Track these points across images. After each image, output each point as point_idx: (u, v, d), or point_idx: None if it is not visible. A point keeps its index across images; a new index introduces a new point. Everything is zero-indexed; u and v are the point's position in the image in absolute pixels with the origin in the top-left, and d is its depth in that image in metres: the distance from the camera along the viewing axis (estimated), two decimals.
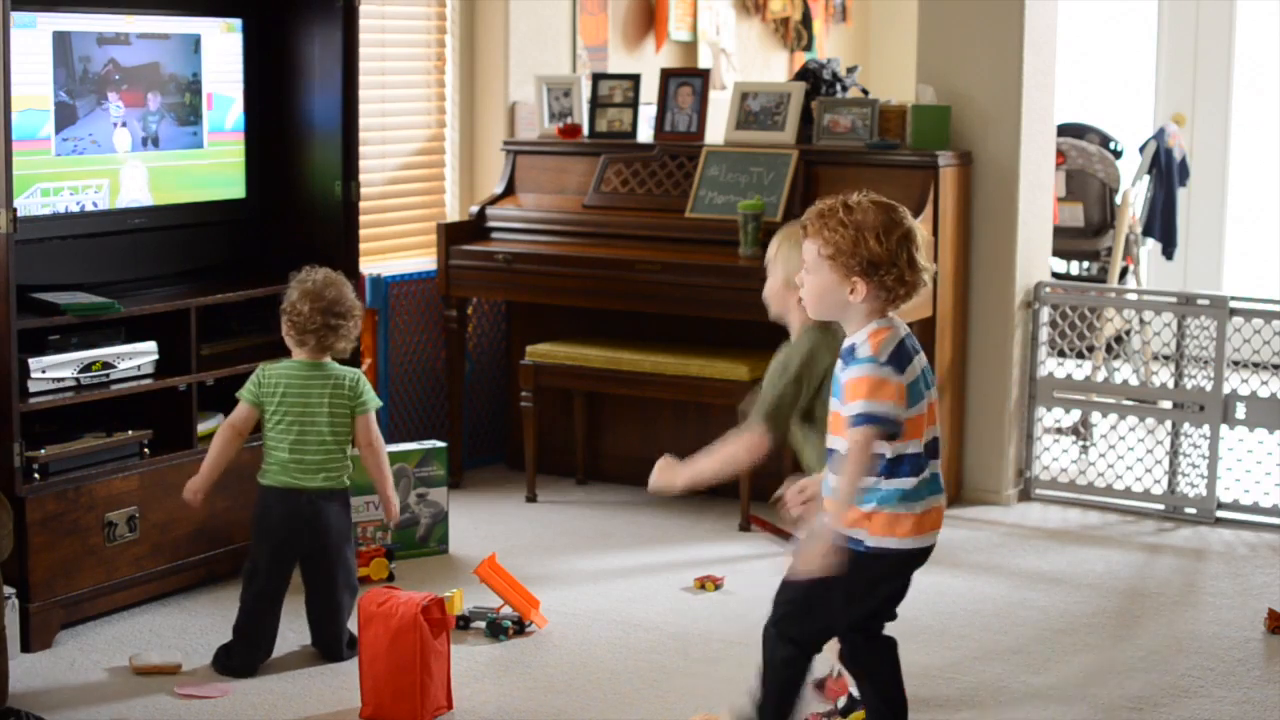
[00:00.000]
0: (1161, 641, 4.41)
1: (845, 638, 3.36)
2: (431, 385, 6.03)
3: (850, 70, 6.05)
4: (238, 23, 4.96)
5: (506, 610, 4.41)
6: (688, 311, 5.48)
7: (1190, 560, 5.18)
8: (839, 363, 3.13)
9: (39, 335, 4.27)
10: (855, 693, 3.71)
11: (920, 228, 3.08)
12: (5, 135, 4.00)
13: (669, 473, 3.49)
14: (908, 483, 3.09)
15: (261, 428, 4.18)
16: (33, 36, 4.32)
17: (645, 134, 6.11)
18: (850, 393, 3.04)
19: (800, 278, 3.20)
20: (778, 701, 3.30)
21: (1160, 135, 7.01)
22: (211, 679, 4.05)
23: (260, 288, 4.87)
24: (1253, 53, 8.49)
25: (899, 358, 3.05)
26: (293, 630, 4.30)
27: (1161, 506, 5.66)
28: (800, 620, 3.23)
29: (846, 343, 3.11)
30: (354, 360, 4.38)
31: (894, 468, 3.09)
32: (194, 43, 4.83)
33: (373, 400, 4.22)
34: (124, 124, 4.63)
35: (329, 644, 4.16)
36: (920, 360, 3.12)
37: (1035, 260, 5.79)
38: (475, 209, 5.98)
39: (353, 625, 4.14)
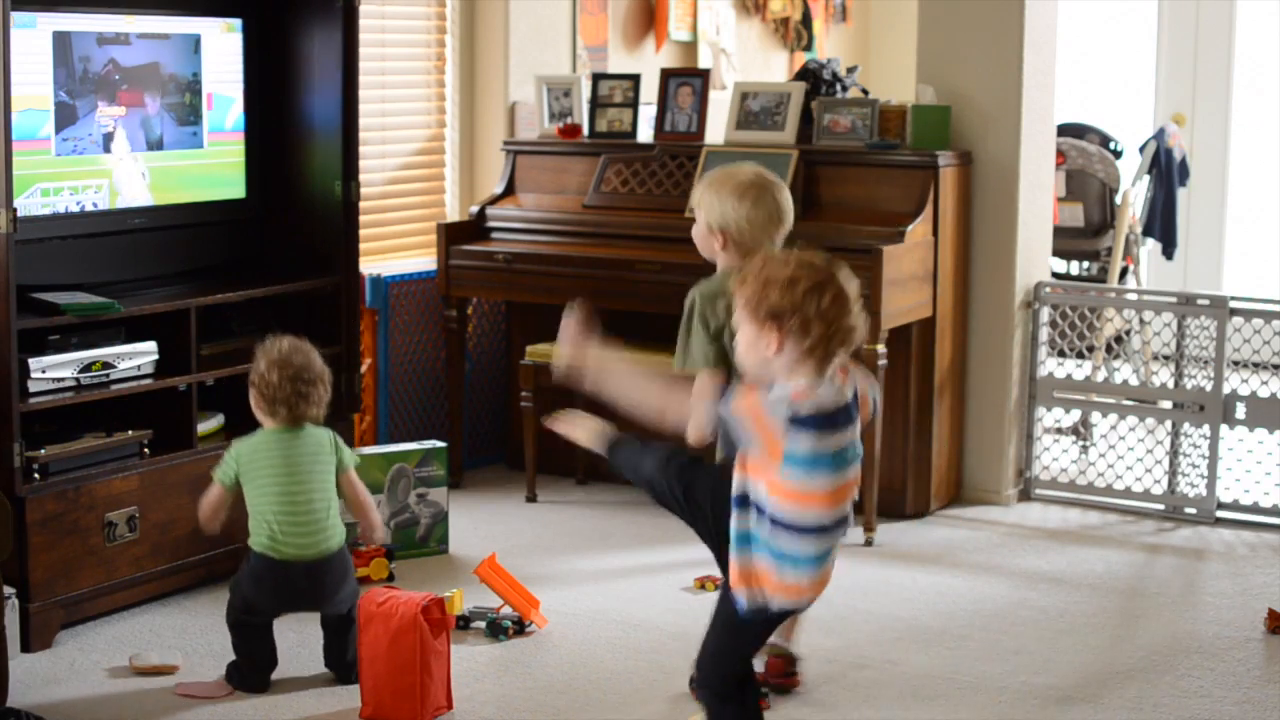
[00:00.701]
0: (1161, 641, 4.41)
1: None
2: (431, 385, 6.03)
3: (850, 70, 6.05)
4: (238, 23, 4.96)
5: (506, 610, 4.41)
6: None
7: (1190, 560, 5.18)
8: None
9: (39, 335, 4.27)
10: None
11: (845, 283, 3.06)
12: (5, 135, 4.00)
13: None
14: (809, 549, 3.08)
15: (244, 497, 4.06)
16: (33, 36, 4.32)
17: (645, 134, 6.11)
18: (737, 407, 3.07)
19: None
20: None
21: (1160, 135, 7.01)
22: (211, 679, 4.05)
23: (260, 288, 4.87)
24: (1253, 53, 8.49)
25: (817, 424, 3.01)
26: (293, 630, 4.31)
27: (1161, 506, 5.66)
28: (719, 668, 3.32)
29: (774, 390, 3.08)
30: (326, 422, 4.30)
31: (798, 531, 3.06)
32: (194, 43, 4.83)
33: (351, 457, 4.16)
34: (124, 124, 4.63)
35: (345, 670, 4.07)
36: (845, 436, 3.07)
37: (1035, 260, 5.79)
38: (475, 209, 5.98)
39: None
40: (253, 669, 4.04)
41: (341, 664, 4.07)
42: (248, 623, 4.05)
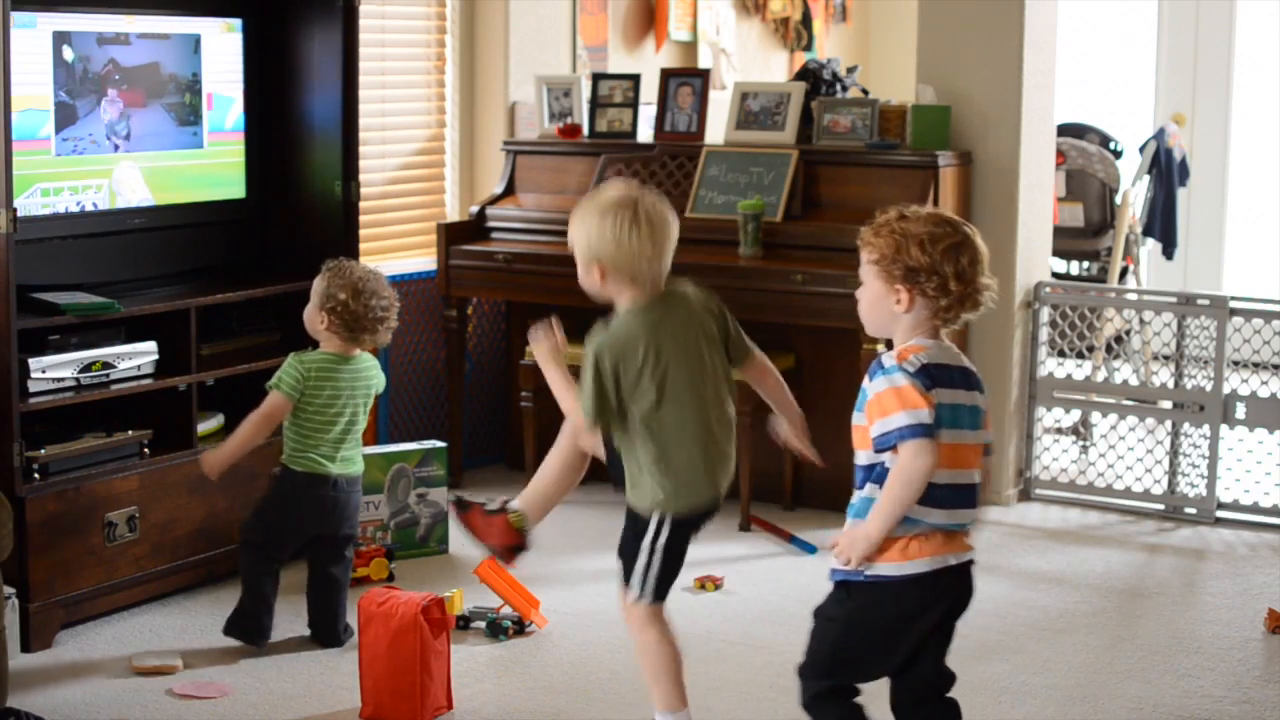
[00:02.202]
0: (1161, 641, 4.41)
1: (895, 703, 3.16)
2: (431, 385, 6.03)
3: (850, 70, 6.05)
4: (238, 23, 4.96)
5: (506, 610, 4.41)
6: None
7: (1190, 560, 5.18)
8: (866, 377, 2.95)
9: (39, 335, 4.27)
10: None
11: (981, 245, 2.96)
12: (5, 135, 4.00)
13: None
14: (933, 515, 2.92)
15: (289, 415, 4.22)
16: (33, 36, 4.32)
17: (645, 134, 6.11)
18: (876, 409, 2.89)
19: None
20: None
21: (1160, 135, 7.01)
22: (211, 679, 4.05)
23: (260, 288, 4.87)
24: (1253, 53, 8.49)
25: (929, 374, 2.89)
26: (293, 630, 4.31)
27: (1161, 506, 5.66)
28: (827, 677, 3.10)
29: (879, 358, 2.97)
30: None
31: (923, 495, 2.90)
32: (194, 43, 4.83)
33: (383, 382, 4.38)
34: (124, 124, 4.63)
35: (329, 630, 4.22)
36: (964, 398, 2.94)
37: (1035, 260, 5.79)
38: (475, 209, 5.99)
39: (351, 619, 4.16)
40: (257, 612, 4.18)
41: (329, 620, 4.21)
42: (264, 562, 4.19)
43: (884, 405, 2.88)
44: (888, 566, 2.94)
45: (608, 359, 3.41)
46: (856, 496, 3.01)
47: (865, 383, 2.96)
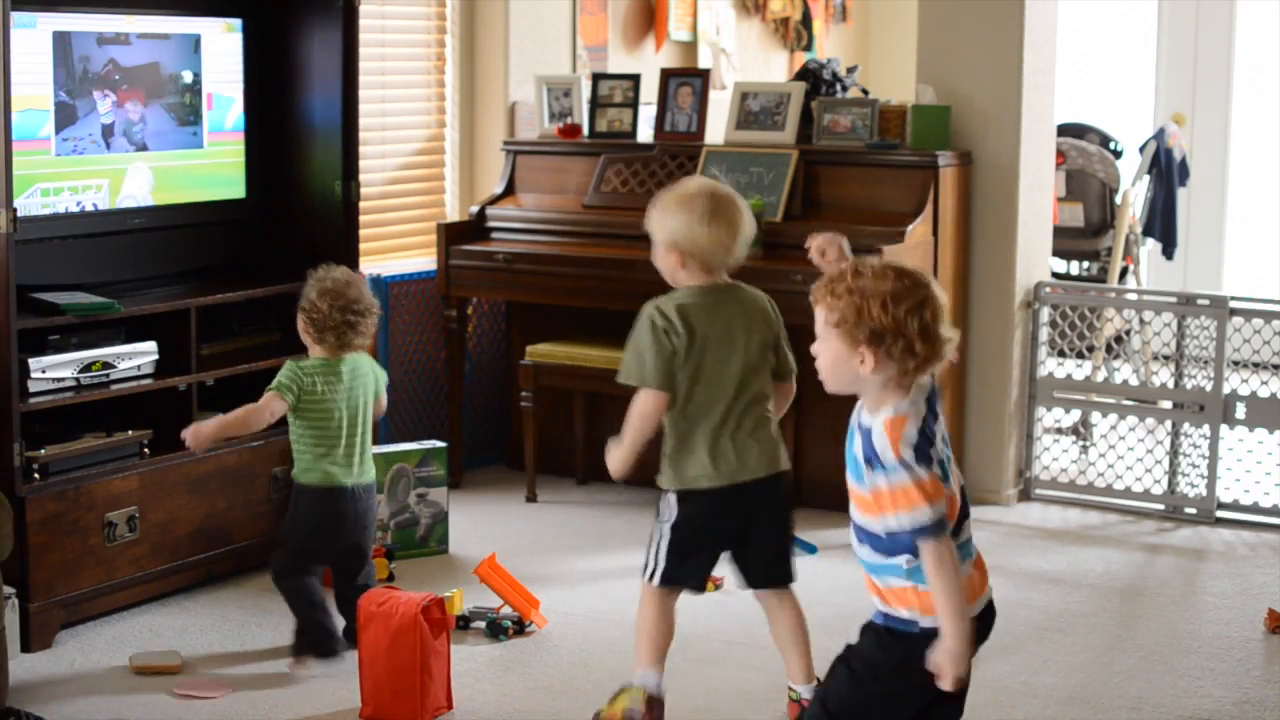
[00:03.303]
0: (1161, 641, 4.41)
1: None
2: (431, 385, 6.03)
3: (850, 70, 6.05)
4: (238, 23, 4.96)
5: (506, 610, 4.41)
6: None
7: (1190, 560, 5.18)
8: (857, 448, 2.84)
9: (39, 335, 4.27)
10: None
11: (940, 295, 2.84)
12: (5, 135, 4.00)
13: (614, 453, 3.66)
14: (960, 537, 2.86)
15: (291, 422, 4.17)
16: (33, 36, 4.32)
17: (645, 134, 6.11)
18: (889, 501, 2.77)
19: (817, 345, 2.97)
20: None
21: (1160, 135, 7.01)
22: (211, 679, 4.05)
23: (260, 288, 4.87)
24: (1253, 53, 8.49)
25: (920, 450, 2.78)
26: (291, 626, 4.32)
27: (1161, 506, 5.66)
28: None
29: (865, 424, 2.85)
30: None
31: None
32: (194, 43, 4.83)
33: (384, 378, 4.35)
34: (124, 124, 4.63)
35: (353, 634, 4.12)
36: (940, 438, 2.85)
37: (1035, 260, 5.79)
38: (475, 209, 5.99)
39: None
40: (322, 629, 4.12)
41: (352, 625, 4.11)
42: (302, 578, 4.15)
43: (898, 497, 2.77)
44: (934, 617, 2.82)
45: (660, 319, 3.64)
46: (865, 554, 2.89)
47: (858, 454, 2.83)
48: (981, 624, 2.92)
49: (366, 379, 4.25)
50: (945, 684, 2.77)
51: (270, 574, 4.23)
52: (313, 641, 4.11)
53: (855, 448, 2.83)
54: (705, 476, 3.65)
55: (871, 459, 2.78)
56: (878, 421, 2.78)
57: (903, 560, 2.81)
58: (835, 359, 2.82)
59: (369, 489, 4.23)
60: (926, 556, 2.75)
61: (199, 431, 4.12)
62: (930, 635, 2.81)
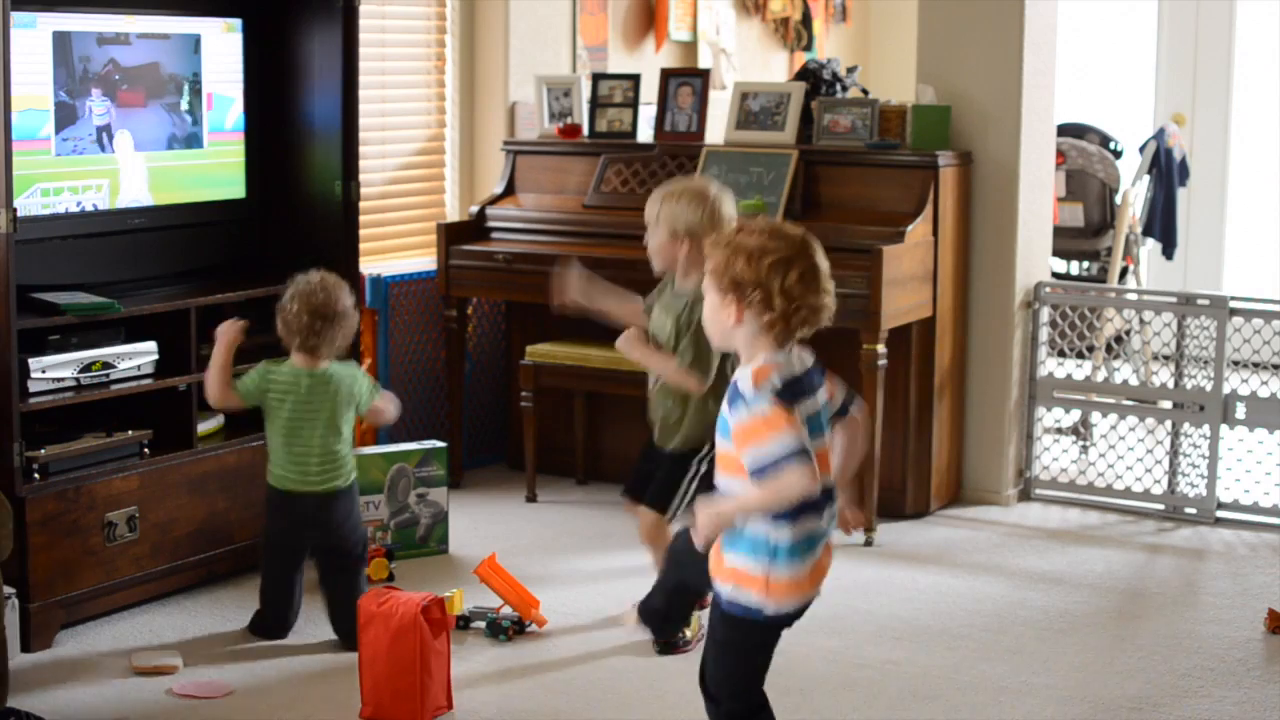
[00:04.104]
0: (1161, 641, 4.41)
1: None
2: (431, 385, 6.03)
3: (850, 70, 6.05)
4: (238, 23, 4.96)
5: (506, 610, 4.41)
6: None
7: (1190, 560, 5.18)
8: (725, 403, 2.98)
9: (39, 335, 4.27)
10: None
11: (818, 261, 2.93)
12: (5, 135, 4.00)
13: (632, 346, 4.19)
14: (802, 529, 2.93)
15: (265, 423, 4.29)
16: (33, 36, 4.32)
17: (645, 134, 6.11)
18: (743, 437, 2.87)
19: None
20: None
21: (1160, 135, 7.01)
22: (211, 679, 4.05)
23: (260, 288, 4.86)
24: (1253, 53, 8.49)
25: (782, 394, 2.88)
26: (294, 631, 4.31)
27: (1161, 506, 5.66)
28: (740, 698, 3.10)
29: (734, 379, 2.96)
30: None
31: (789, 515, 2.91)
32: (194, 43, 4.83)
33: (372, 393, 4.35)
34: (124, 124, 4.63)
35: (348, 632, 4.15)
36: (815, 402, 2.97)
37: (1035, 260, 5.79)
38: (475, 209, 5.99)
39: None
40: (273, 610, 4.25)
41: (346, 623, 4.15)
42: (273, 563, 4.26)
43: (755, 434, 2.85)
44: (789, 603, 2.96)
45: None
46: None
47: (725, 409, 2.94)
48: (788, 622, 3.03)
49: (337, 391, 4.24)
50: (695, 537, 2.99)
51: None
52: (261, 624, 4.31)
53: (724, 406, 2.96)
54: None
55: (735, 398, 2.90)
56: (746, 370, 2.92)
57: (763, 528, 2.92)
58: (711, 310, 2.98)
59: (332, 496, 4.25)
60: (783, 476, 2.81)
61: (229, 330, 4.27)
62: (776, 621, 2.98)
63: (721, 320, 2.95)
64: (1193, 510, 5.60)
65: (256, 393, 4.24)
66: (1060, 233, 6.66)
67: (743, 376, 2.91)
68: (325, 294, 4.23)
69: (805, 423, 2.89)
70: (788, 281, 2.89)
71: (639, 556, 5.09)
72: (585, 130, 6.07)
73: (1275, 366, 5.74)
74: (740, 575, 2.95)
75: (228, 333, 4.28)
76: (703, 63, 7.40)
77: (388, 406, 4.42)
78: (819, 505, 2.94)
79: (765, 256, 2.89)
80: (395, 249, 6.16)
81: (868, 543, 5.22)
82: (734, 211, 4.23)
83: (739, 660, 3.05)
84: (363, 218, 5.32)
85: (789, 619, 3.01)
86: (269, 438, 4.27)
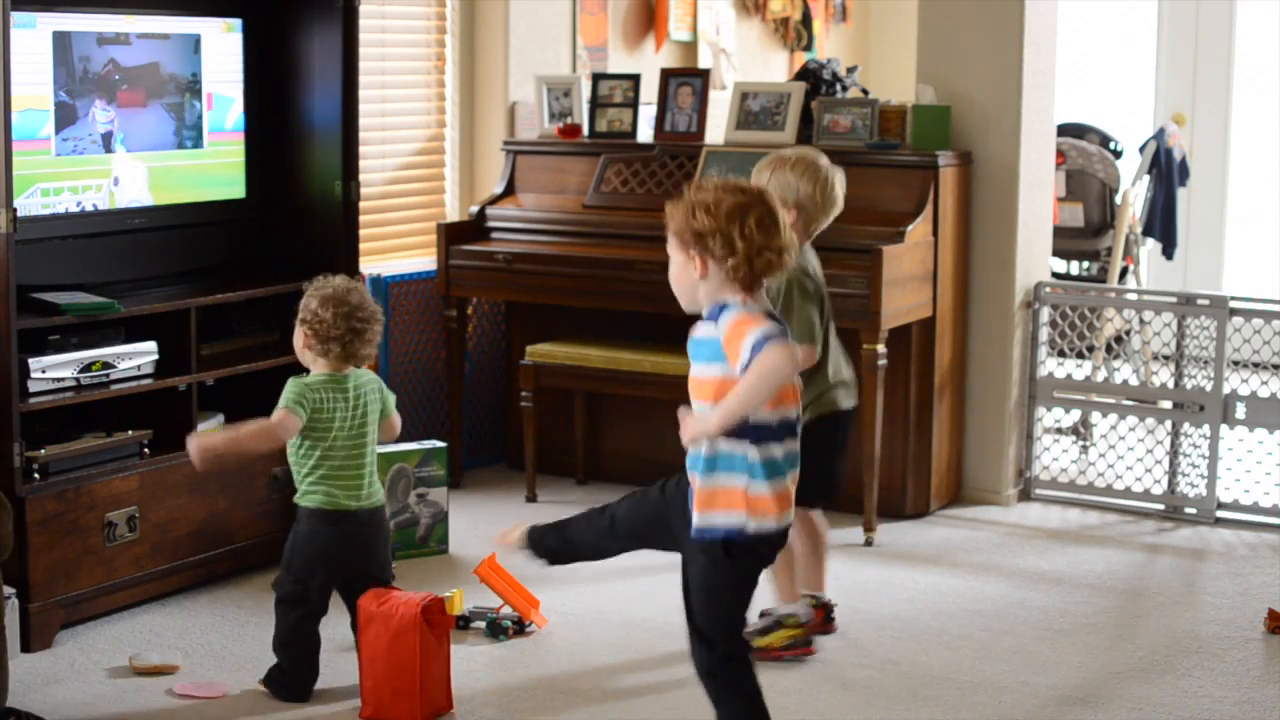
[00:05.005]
0: (1161, 641, 4.41)
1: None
2: (431, 385, 6.03)
3: (850, 70, 6.05)
4: (238, 23, 4.96)
5: (506, 610, 4.41)
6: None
7: (1190, 560, 5.18)
8: (699, 328, 3.09)
9: (39, 335, 4.27)
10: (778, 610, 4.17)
11: (773, 209, 3.06)
12: (5, 135, 4.00)
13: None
14: (765, 453, 3.07)
15: (290, 443, 3.94)
16: (33, 36, 4.32)
17: (645, 134, 6.11)
18: (734, 338, 2.98)
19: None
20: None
21: (1160, 135, 7.01)
22: (211, 679, 4.05)
23: (260, 288, 4.87)
24: (1253, 53, 8.49)
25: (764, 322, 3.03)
26: None
27: (1161, 506, 5.66)
28: (727, 637, 3.19)
29: (706, 311, 3.09)
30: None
31: (760, 434, 3.06)
32: (194, 43, 4.83)
33: (392, 400, 4.12)
34: (124, 124, 4.63)
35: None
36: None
37: (1035, 260, 5.79)
38: (475, 209, 5.99)
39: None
40: (298, 673, 3.92)
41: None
42: (305, 614, 3.91)
43: (740, 330, 2.98)
44: (770, 521, 3.08)
45: (810, 284, 4.09)
46: (700, 448, 3.10)
47: (700, 333, 3.07)
48: (768, 546, 3.13)
49: (373, 397, 4.02)
50: (682, 432, 3.07)
51: (274, 594, 4.00)
52: (283, 686, 3.93)
53: (698, 333, 3.07)
54: (848, 395, 4.26)
55: (718, 311, 3.02)
56: (726, 313, 3.02)
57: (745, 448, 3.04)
58: (676, 269, 3.08)
59: (376, 513, 3.99)
60: (765, 358, 2.92)
61: (205, 445, 3.89)
62: (758, 538, 3.08)
63: (688, 275, 3.07)
64: (1193, 510, 5.60)
65: (304, 401, 3.87)
66: (1060, 233, 6.66)
67: (724, 314, 3.02)
68: (355, 294, 3.96)
69: None
70: (747, 227, 3.01)
71: (639, 556, 5.08)
72: (585, 130, 6.07)
73: (1275, 366, 5.74)
74: (720, 495, 3.08)
75: (200, 452, 3.90)
76: (703, 63, 7.40)
77: (395, 418, 4.16)
78: (777, 434, 3.08)
79: (722, 205, 3.02)
80: (395, 249, 6.16)
81: (868, 543, 5.22)
82: (843, 186, 4.20)
83: (731, 595, 3.16)
84: (363, 218, 5.32)
85: (766, 543, 3.12)
86: (307, 456, 3.91)
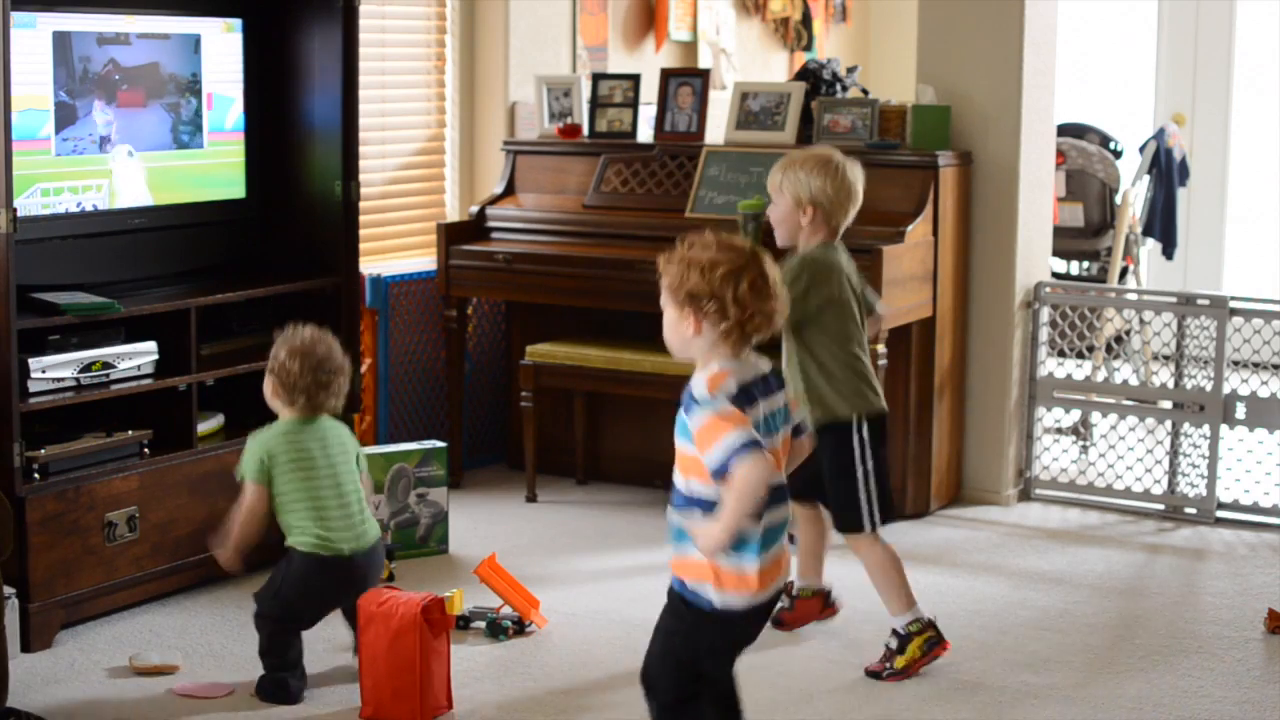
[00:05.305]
0: (1161, 641, 4.41)
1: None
2: (431, 385, 6.03)
3: (850, 70, 6.05)
4: (238, 23, 4.96)
5: (506, 610, 4.41)
6: None
7: (1190, 560, 5.18)
8: (681, 408, 3.07)
9: (39, 335, 4.27)
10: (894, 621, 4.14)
11: (766, 270, 3.05)
12: (5, 135, 4.00)
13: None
14: (749, 526, 3.02)
15: (275, 487, 3.95)
16: (33, 36, 4.32)
17: (645, 134, 6.11)
18: (703, 440, 2.99)
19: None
20: None
21: (1160, 135, 7.01)
22: (211, 679, 4.05)
23: (260, 288, 4.87)
24: (1253, 53, 8.49)
25: (736, 398, 3.02)
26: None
27: (1161, 506, 5.66)
28: (663, 692, 3.20)
29: (690, 385, 3.08)
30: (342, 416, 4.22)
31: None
32: (194, 43, 4.83)
33: (364, 457, 4.14)
34: (124, 124, 4.63)
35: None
36: (770, 405, 3.08)
37: (1035, 260, 5.79)
38: (475, 209, 5.98)
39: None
40: (287, 679, 3.94)
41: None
42: (283, 631, 3.95)
43: (713, 433, 2.98)
44: (741, 597, 3.04)
45: (806, 274, 4.08)
46: (679, 519, 3.07)
47: (681, 414, 3.05)
48: (758, 619, 3.12)
49: (345, 444, 4.03)
50: (697, 545, 3.02)
51: (256, 609, 4.01)
52: (271, 693, 3.94)
53: (681, 412, 3.07)
54: (879, 399, 4.22)
55: (690, 403, 3.03)
56: (701, 376, 3.05)
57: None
58: (670, 323, 3.11)
59: (370, 553, 3.97)
60: (739, 472, 2.94)
61: (226, 558, 4.00)
62: (722, 614, 3.05)
63: (681, 332, 3.09)
64: (1193, 510, 5.60)
65: (264, 464, 3.91)
66: (1060, 233, 6.66)
67: (698, 382, 3.05)
68: (325, 347, 4.00)
69: (763, 422, 3.05)
70: (740, 291, 3.03)
71: (639, 556, 5.10)
72: (585, 130, 6.07)
73: (1275, 366, 5.74)
74: (690, 566, 3.08)
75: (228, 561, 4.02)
76: (703, 63, 7.41)
77: (368, 477, 4.17)
78: (769, 501, 3.04)
79: (717, 268, 3.04)
80: (395, 249, 6.16)
81: None
82: (860, 179, 4.17)
83: (680, 647, 3.15)
84: (363, 218, 5.33)
85: (739, 619, 3.09)
86: (295, 500, 3.92)
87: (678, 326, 3.10)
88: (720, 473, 2.96)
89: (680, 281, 3.07)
